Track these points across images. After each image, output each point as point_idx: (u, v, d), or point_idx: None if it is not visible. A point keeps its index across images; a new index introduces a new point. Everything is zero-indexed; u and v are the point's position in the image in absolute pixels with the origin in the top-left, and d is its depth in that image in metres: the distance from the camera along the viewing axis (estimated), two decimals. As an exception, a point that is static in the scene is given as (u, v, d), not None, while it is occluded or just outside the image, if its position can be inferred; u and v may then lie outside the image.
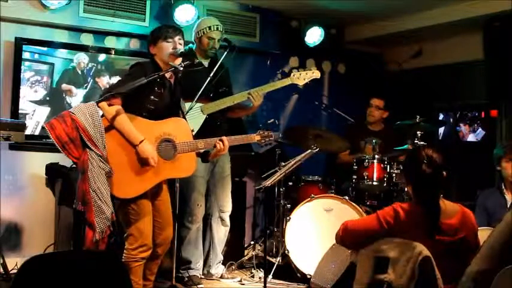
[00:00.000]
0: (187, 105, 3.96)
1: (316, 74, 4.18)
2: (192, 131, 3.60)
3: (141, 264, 3.25)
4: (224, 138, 3.43)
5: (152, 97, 3.26)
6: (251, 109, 4.28)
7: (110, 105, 3.11)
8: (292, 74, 4.17)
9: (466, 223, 2.68)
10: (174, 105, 3.43)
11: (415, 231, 2.60)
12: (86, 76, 4.82)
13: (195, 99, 3.91)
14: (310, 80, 4.18)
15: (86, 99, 4.72)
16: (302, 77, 4.15)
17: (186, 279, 4.26)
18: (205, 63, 4.25)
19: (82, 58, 4.79)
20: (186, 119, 3.48)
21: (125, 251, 3.23)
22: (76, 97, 4.77)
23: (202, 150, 3.42)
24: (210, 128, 3.96)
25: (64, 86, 4.74)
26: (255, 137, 3.60)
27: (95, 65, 4.85)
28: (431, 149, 2.78)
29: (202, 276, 4.39)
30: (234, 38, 4.88)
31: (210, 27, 4.20)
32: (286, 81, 4.17)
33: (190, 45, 4.33)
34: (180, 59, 3.34)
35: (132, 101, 3.18)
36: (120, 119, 3.12)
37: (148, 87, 3.22)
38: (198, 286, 4.20)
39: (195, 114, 4.04)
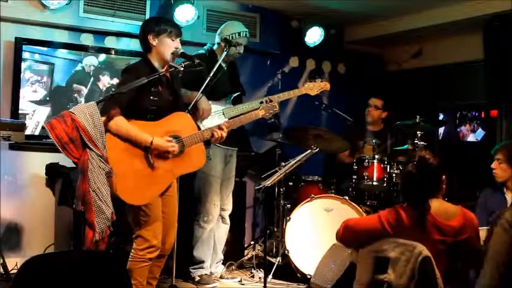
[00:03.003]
0: (214, 107, 4.10)
1: (326, 87, 4.47)
2: None
3: (147, 265, 3.24)
4: (223, 125, 3.40)
5: (151, 97, 3.23)
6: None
7: (110, 118, 3.10)
8: (306, 85, 4.44)
9: (467, 224, 2.67)
10: (175, 99, 3.39)
11: (416, 232, 2.59)
12: (92, 77, 4.84)
13: (200, 92, 3.92)
14: (320, 91, 4.45)
15: (86, 99, 4.73)
16: (315, 88, 4.42)
17: (198, 278, 4.29)
18: (225, 66, 4.32)
19: (92, 61, 4.81)
20: (190, 112, 3.48)
21: (132, 250, 3.23)
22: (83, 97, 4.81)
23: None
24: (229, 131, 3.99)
25: (76, 86, 4.77)
26: (259, 113, 3.62)
27: (97, 65, 4.86)
28: (428, 151, 2.80)
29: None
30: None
31: (239, 33, 4.30)
32: (301, 91, 4.44)
33: (209, 44, 4.38)
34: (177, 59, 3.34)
35: (132, 107, 3.16)
36: (124, 129, 3.11)
37: (143, 89, 3.18)
38: (213, 285, 4.26)
39: (218, 117, 4.16)
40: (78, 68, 4.79)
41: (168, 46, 3.29)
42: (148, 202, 3.17)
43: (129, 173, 3.12)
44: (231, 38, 4.27)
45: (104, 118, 3.08)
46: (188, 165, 3.32)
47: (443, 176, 2.77)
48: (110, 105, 3.10)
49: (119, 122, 3.12)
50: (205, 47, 4.39)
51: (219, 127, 3.37)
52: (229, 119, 4.19)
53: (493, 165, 3.96)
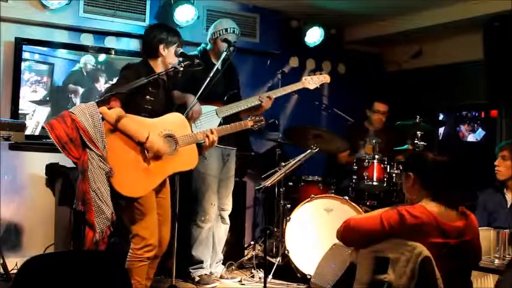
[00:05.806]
0: (204, 108, 4.05)
1: (326, 79, 4.37)
2: None
3: (145, 264, 3.25)
4: (214, 129, 3.48)
5: (148, 97, 3.29)
6: (259, 110, 4.31)
7: (109, 108, 3.13)
8: (304, 79, 4.33)
9: (470, 226, 2.66)
10: (169, 102, 3.47)
11: (417, 234, 2.58)
12: (89, 77, 4.84)
13: (196, 97, 3.90)
14: (320, 84, 4.35)
15: (84, 98, 4.73)
16: (313, 82, 4.32)
17: (198, 278, 4.28)
18: (219, 65, 4.23)
19: (89, 60, 4.81)
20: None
21: (130, 250, 3.23)
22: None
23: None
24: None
25: (71, 86, 4.77)
26: (248, 123, 3.73)
27: (95, 65, 4.86)
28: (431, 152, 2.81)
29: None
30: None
31: (226, 30, 4.24)
32: (298, 86, 4.33)
33: (203, 45, 4.37)
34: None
35: (129, 103, 3.20)
36: (123, 121, 3.13)
37: (143, 88, 3.24)
38: (213, 285, 4.24)
39: (210, 117, 4.13)
40: (75, 68, 4.79)
41: (173, 54, 3.39)
42: (141, 195, 3.17)
43: (126, 165, 3.15)
44: (217, 36, 4.23)
45: (105, 108, 3.10)
46: (180, 165, 3.36)
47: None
48: (111, 95, 3.12)
49: (120, 114, 3.13)
50: (199, 48, 4.37)
51: (211, 131, 3.44)
52: (222, 118, 4.17)
53: (496, 163, 3.92)
